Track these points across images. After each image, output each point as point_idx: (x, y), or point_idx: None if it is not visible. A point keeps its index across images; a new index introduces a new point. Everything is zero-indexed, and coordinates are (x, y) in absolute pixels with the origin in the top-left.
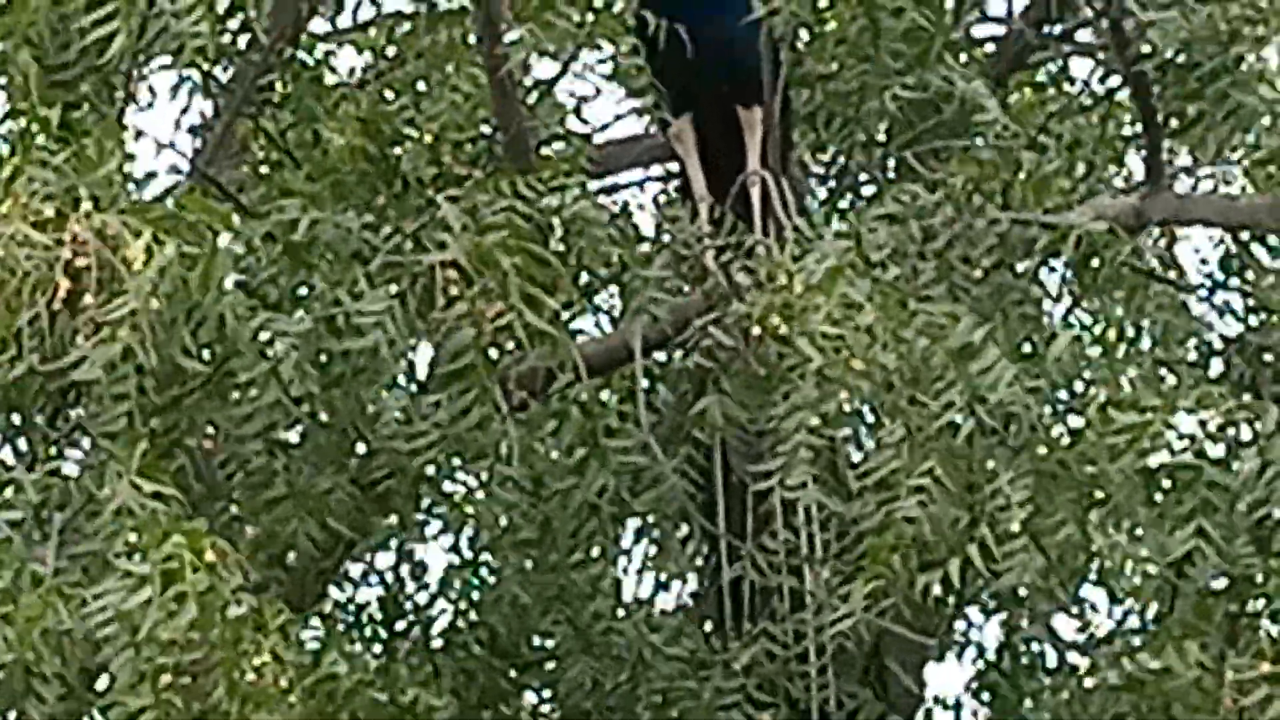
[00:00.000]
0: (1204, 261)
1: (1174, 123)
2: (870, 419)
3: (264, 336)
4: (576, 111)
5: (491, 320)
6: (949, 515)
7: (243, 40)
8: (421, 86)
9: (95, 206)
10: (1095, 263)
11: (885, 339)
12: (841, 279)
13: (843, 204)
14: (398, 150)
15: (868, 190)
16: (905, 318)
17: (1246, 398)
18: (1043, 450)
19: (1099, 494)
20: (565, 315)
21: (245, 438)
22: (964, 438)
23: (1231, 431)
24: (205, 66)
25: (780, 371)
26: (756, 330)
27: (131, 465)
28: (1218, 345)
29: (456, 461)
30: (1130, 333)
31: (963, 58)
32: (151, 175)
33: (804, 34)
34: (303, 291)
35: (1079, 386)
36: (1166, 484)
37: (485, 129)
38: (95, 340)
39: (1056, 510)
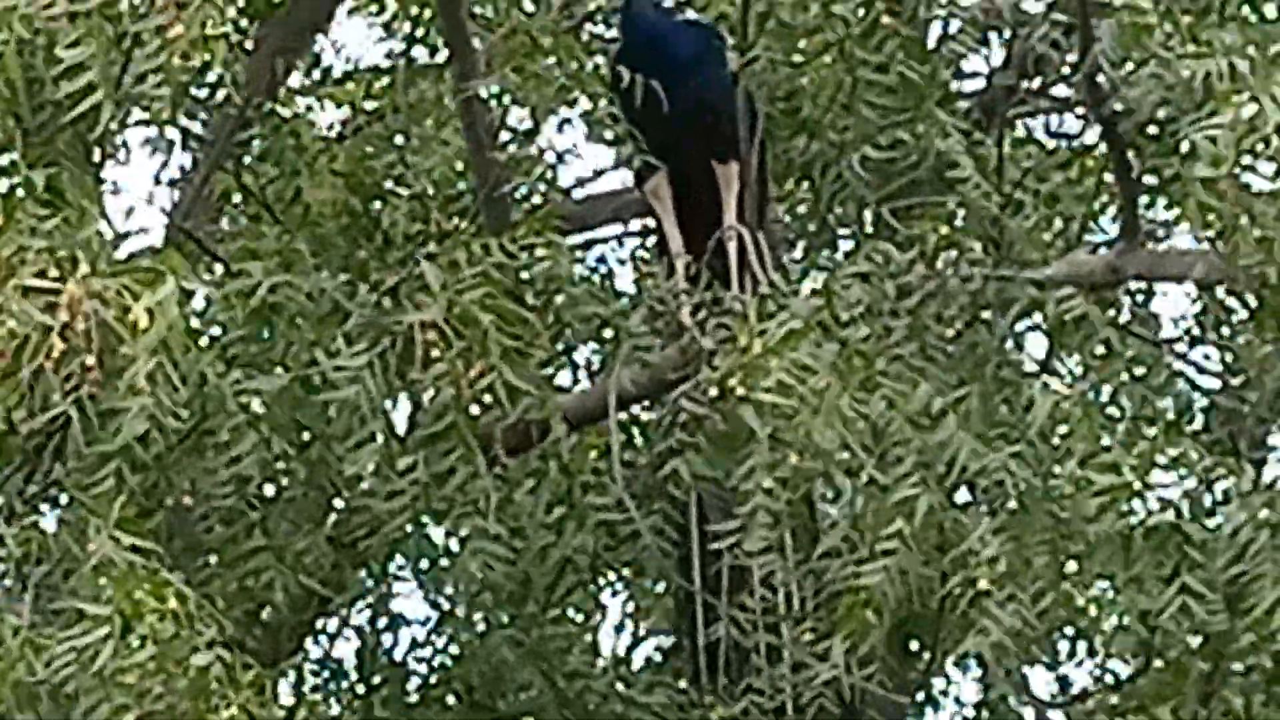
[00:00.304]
0: (1182, 317)
1: (1151, 179)
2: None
3: (241, 394)
4: (555, 165)
5: (472, 381)
6: (920, 573)
7: (220, 93)
8: (401, 141)
9: (89, 269)
10: (1071, 320)
11: (841, 402)
12: (799, 341)
13: (822, 258)
14: (380, 205)
15: (847, 245)
16: (866, 380)
17: (1230, 450)
18: (1018, 511)
19: (1077, 551)
20: (546, 371)
21: (222, 492)
22: (930, 504)
23: (1207, 490)
24: (180, 123)
25: (745, 433)
26: (715, 391)
27: (111, 520)
28: (1198, 400)
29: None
30: (1108, 390)
31: (946, 112)
32: (128, 234)
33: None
34: (278, 349)
35: (1056, 444)
36: (1143, 543)
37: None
38: (122, 399)
39: (1033, 568)
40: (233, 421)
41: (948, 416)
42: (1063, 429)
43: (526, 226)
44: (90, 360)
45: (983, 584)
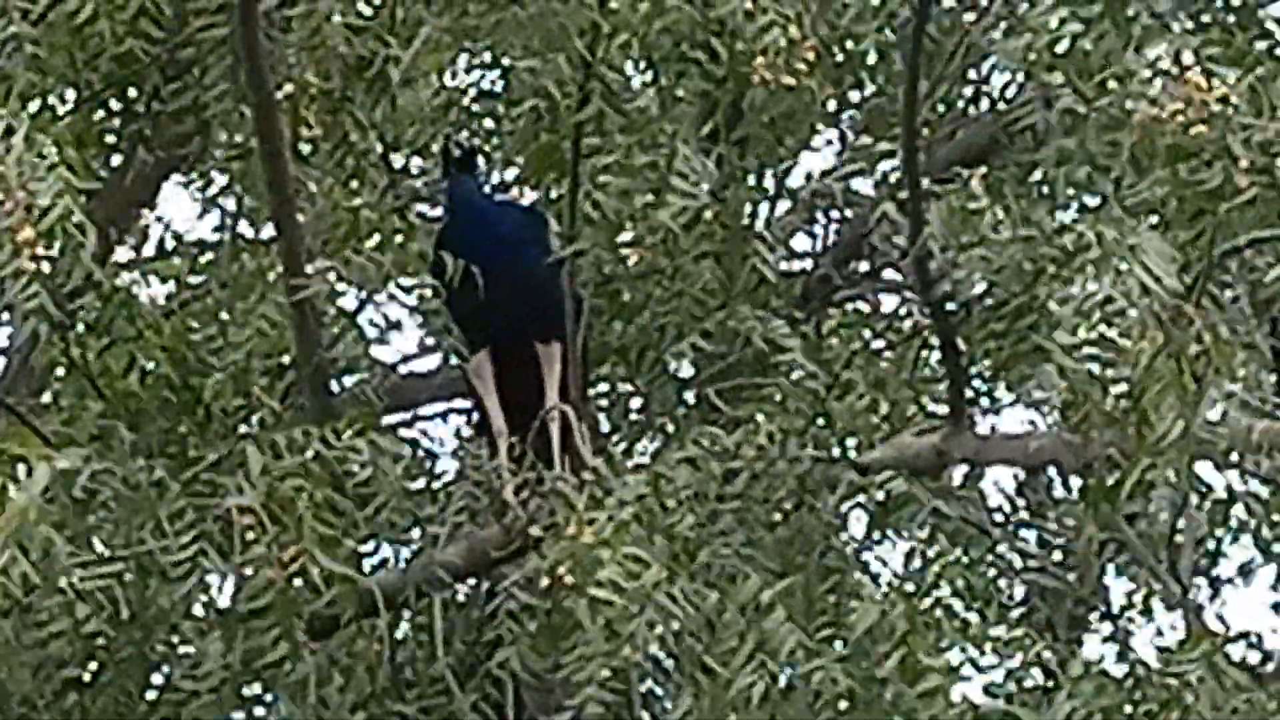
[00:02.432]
0: (1008, 499)
1: (984, 362)
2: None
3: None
4: (378, 343)
5: (287, 564)
6: None
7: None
8: (225, 315)
9: None
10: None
11: (675, 592)
12: (628, 534)
13: (642, 442)
14: (201, 380)
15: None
16: (694, 573)
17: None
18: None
19: None
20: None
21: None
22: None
23: (1036, 673)
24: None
25: (573, 620)
26: (545, 581)
27: None
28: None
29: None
30: (933, 572)
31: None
32: None
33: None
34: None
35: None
36: None
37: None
38: None
39: None
40: (52, 601)
41: (777, 608)
42: (888, 624)
43: (347, 422)
44: None
45: None
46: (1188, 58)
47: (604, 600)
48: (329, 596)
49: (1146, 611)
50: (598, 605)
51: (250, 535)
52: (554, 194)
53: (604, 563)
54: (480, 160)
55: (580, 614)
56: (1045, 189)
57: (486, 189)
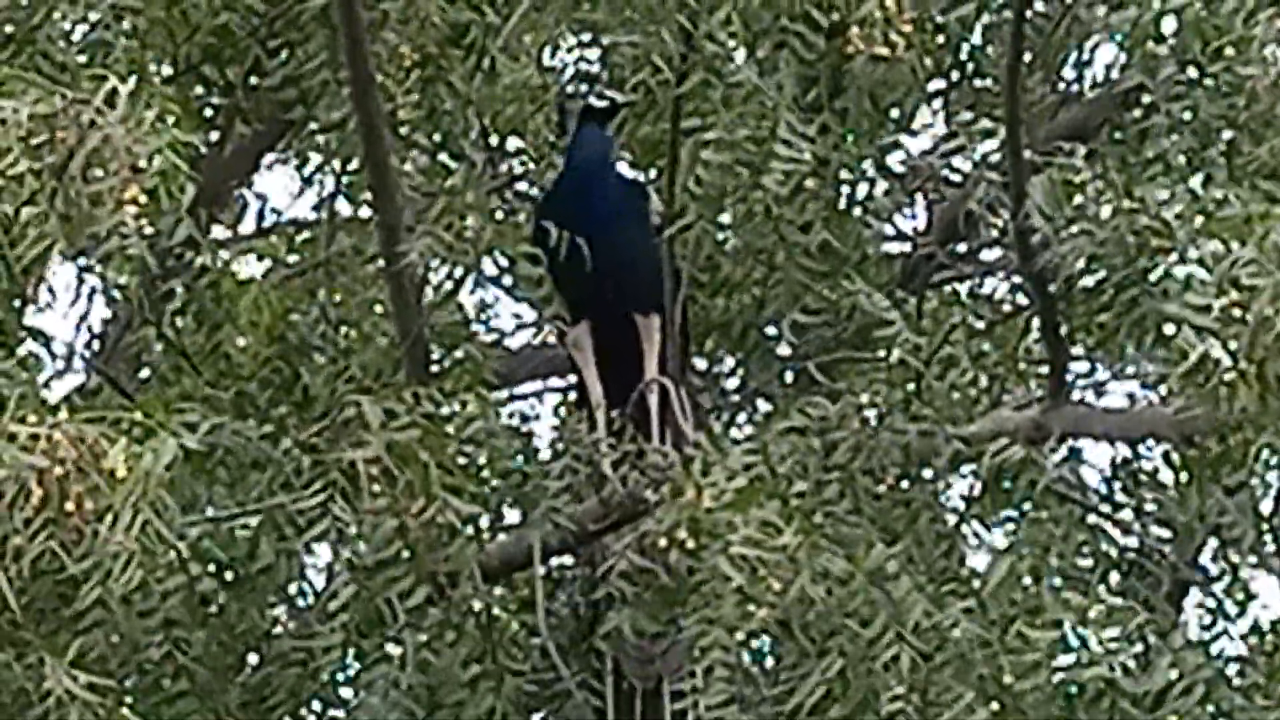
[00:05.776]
0: (1104, 477)
1: (1086, 337)
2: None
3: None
4: (478, 319)
5: (415, 515)
6: None
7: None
8: (323, 295)
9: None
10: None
11: (803, 561)
12: (757, 497)
13: (741, 415)
14: (301, 359)
15: (765, 402)
16: (819, 539)
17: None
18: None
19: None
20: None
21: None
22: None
23: (1139, 645)
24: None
25: (690, 585)
26: (664, 542)
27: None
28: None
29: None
30: (1037, 546)
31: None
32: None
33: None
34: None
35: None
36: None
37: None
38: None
39: None
40: (166, 559)
41: (903, 576)
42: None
43: (453, 380)
44: (70, 506)
45: None
46: None
47: (742, 559)
48: (457, 546)
49: (1245, 588)
50: (736, 565)
51: (375, 487)
52: (654, 171)
53: (733, 526)
54: (619, 116)
55: (725, 569)
56: (1153, 159)
57: (612, 153)
